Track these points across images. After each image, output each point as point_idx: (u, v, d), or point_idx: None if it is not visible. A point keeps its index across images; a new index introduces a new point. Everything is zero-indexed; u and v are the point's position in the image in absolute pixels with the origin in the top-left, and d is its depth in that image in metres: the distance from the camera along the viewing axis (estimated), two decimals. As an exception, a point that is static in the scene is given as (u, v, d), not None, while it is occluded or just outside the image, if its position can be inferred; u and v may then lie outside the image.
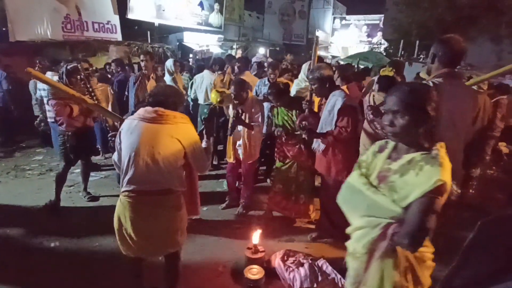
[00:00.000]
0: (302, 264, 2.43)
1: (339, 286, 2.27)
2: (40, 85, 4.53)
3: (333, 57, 19.71)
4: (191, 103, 5.00)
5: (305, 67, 3.94)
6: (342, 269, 2.12)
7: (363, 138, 2.98)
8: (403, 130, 1.27)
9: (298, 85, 3.97)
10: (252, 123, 3.21)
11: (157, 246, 1.90)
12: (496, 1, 13.68)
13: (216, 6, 14.93)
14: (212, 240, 2.98)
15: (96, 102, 3.19)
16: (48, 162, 4.92)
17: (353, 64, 9.28)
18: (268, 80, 4.24)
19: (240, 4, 18.07)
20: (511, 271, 0.69)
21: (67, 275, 2.49)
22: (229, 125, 3.32)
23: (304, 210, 3.22)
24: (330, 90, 2.69)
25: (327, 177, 2.80)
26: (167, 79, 4.76)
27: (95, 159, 4.68)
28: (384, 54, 14.92)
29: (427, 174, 1.19)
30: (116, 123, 3.34)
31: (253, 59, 8.70)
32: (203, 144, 2.07)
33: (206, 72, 4.80)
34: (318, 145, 2.83)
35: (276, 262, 2.51)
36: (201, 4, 14.04)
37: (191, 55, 12.00)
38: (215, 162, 4.68)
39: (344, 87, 3.49)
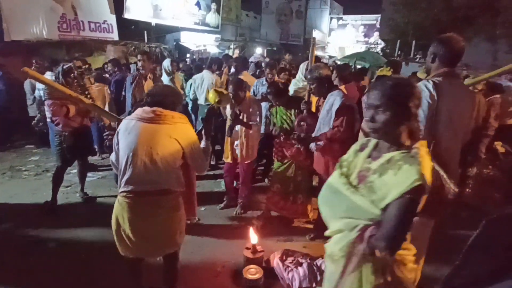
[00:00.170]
0: (300, 264, 2.43)
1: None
2: (40, 85, 4.50)
3: (330, 57, 19.77)
4: (190, 103, 4.98)
5: (302, 67, 3.95)
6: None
7: (361, 137, 2.98)
8: (384, 126, 1.21)
9: (296, 85, 3.98)
10: (250, 122, 3.21)
11: (156, 247, 1.89)
12: (492, 1, 13.79)
13: (213, 6, 14.92)
14: (211, 240, 2.97)
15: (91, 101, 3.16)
16: (45, 163, 4.88)
17: (350, 64, 9.30)
18: (266, 80, 4.24)
19: (237, 4, 18.05)
20: (510, 270, 0.69)
21: (65, 276, 2.47)
22: (227, 125, 3.32)
23: (302, 210, 3.23)
24: (329, 90, 2.70)
25: (325, 176, 2.80)
26: (165, 79, 4.75)
27: (92, 159, 4.65)
28: (381, 54, 15.00)
29: (405, 174, 1.13)
30: (113, 123, 3.32)
31: (251, 59, 8.70)
32: (202, 144, 2.06)
33: (205, 72, 4.79)
34: (314, 145, 2.83)
35: (275, 262, 2.51)
36: (198, 4, 14.02)
37: (188, 55, 11.97)
38: (212, 162, 4.67)
39: (342, 87, 3.50)
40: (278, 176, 3.25)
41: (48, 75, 4.10)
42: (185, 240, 2.03)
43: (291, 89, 3.84)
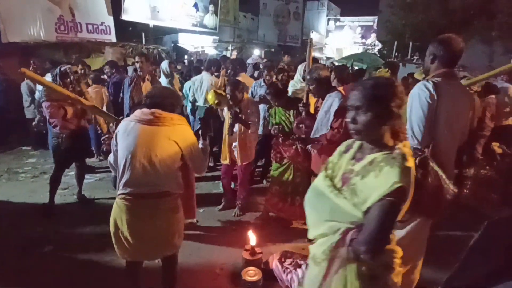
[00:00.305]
0: (299, 266, 2.43)
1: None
2: (39, 86, 4.48)
3: (328, 58, 19.83)
4: (190, 105, 4.96)
5: (300, 68, 3.96)
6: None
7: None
8: (365, 127, 1.19)
9: (294, 86, 3.99)
10: (248, 122, 3.21)
11: (154, 249, 1.89)
12: (487, 4, 13.91)
13: (211, 7, 14.93)
14: (209, 242, 2.96)
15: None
16: (42, 165, 4.86)
17: (347, 66, 9.34)
18: (264, 82, 4.25)
19: (235, 5, 18.09)
20: (510, 271, 0.70)
21: (62, 279, 2.45)
22: (225, 126, 3.32)
23: (301, 211, 3.19)
24: (327, 90, 2.71)
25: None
26: (163, 81, 4.73)
27: (89, 161, 4.63)
28: (378, 55, 15.06)
29: (385, 176, 1.10)
30: (111, 125, 3.31)
31: (249, 61, 8.71)
32: (200, 145, 2.06)
33: (204, 74, 4.78)
34: (314, 145, 2.84)
35: (274, 263, 2.50)
36: (196, 6, 14.02)
37: (186, 57, 11.97)
38: (211, 164, 4.66)
39: (341, 88, 3.51)
40: (277, 178, 3.25)
41: (49, 77, 4.08)
42: (183, 242, 2.03)
43: (289, 91, 3.85)
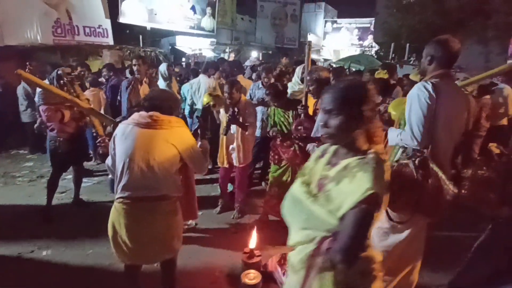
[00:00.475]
0: (299, 268, 2.42)
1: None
2: (39, 89, 4.45)
3: (325, 60, 19.90)
4: (188, 108, 4.96)
5: (298, 70, 3.96)
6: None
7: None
8: (338, 131, 1.15)
9: (292, 88, 3.99)
10: (246, 124, 3.21)
11: (153, 253, 1.87)
12: (483, 5, 14.03)
13: (208, 10, 14.96)
14: (208, 245, 2.95)
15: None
16: (39, 169, 4.83)
17: (345, 67, 9.38)
18: (262, 84, 4.25)
19: (232, 8, 18.13)
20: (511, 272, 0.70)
21: (60, 284, 2.44)
22: (221, 128, 3.31)
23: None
24: None
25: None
26: (161, 84, 4.72)
27: (87, 164, 4.61)
28: (375, 57, 15.13)
29: (358, 182, 1.06)
30: (109, 127, 3.29)
31: (246, 63, 8.73)
32: (199, 145, 2.06)
33: (201, 76, 4.78)
34: (312, 147, 2.83)
35: (273, 266, 2.49)
36: (193, 8, 14.05)
37: (183, 59, 11.97)
38: (209, 166, 4.64)
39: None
40: (275, 180, 3.24)
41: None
42: (182, 245, 2.01)
43: (287, 92, 3.84)
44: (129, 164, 1.73)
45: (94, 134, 3.45)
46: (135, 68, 3.99)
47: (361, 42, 24.46)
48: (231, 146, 3.34)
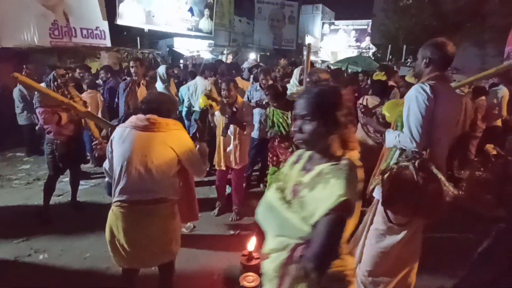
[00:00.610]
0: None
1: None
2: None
3: (323, 61, 19.98)
4: (185, 110, 4.95)
5: (296, 72, 3.96)
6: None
7: (359, 141, 3.02)
8: (311, 137, 1.14)
9: (290, 89, 3.99)
10: (244, 123, 3.21)
11: (151, 257, 1.86)
12: (479, 7, 14.14)
13: (206, 11, 14.98)
14: (206, 248, 2.93)
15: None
16: (35, 171, 4.80)
17: (342, 69, 9.41)
18: (260, 86, 4.25)
19: (230, 9, 18.18)
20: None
21: (57, 287, 2.41)
22: (217, 131, 3.31)
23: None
24: None
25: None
26: (159, 86, 4.70)
27: (84, 167, 4.59)
28: (373, 58, 15.20)
29: (331, 189, 1.05)
30: (105, 130, 3.28)
31: (244, 65, 8.74)
32: (197, 148, 2.05)
33: (198, 79, 4.77)
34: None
35: (272, 268, 2.48)
36: (191, 10, 14.07)
37: (181, 61, 11.98)
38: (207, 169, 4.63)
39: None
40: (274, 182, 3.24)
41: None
42: (180, 248, 2.00)
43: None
44: (127, 167, 1.72)
45: (93, 139, 3.44)
46: (132, 70, 3.97)
47: (358, 43, 24.58)
48: (228, 148, 3.34)
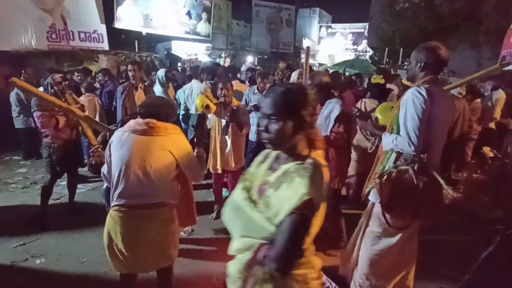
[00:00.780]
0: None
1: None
2: None
3: (320, 64, 20.07)
4: (182, 113, 4.95)
5: (294, 75, 3.99)
6: (340, 281, 2.08)
7: (355, 144, 3.04)
8: (277, 137, 1.12)
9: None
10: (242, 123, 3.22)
11: (150, 261, 1.85)
12: (474, 10, 14.28)
13: (204, 15, 15.03)
14: (205, 252, 2.93)
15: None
16: (33, 175, 4.77)
17: (340, 72, 9.46)
18: (258, 89, 4.26)
19: (228, 13, 18.26)
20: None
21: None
22: (211, 134, 3.32)
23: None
24: (327, 97, 2.72)
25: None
26: (158, 90, 4.70)
27: (82, 170, 4.56)
28: (370, 61, 15.28)
29: (295, 188, 1.04)
30: (100, 136, 3.26)
31: (242, 68, 8.74)
32: (195, 153, 2.05)
33: (194, 82, 4.78)
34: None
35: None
36: (188, 13, 14.10)
37: (179, 64, 11.98)
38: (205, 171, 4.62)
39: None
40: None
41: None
42: (178, 252, 2.00)
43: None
44: (125, 171, 1.72)
45: (91, 147, 3.43)
46: (130, 73, 3.95)
47: (355, 46, 24.72)
48: (226, 150, 3.34)
